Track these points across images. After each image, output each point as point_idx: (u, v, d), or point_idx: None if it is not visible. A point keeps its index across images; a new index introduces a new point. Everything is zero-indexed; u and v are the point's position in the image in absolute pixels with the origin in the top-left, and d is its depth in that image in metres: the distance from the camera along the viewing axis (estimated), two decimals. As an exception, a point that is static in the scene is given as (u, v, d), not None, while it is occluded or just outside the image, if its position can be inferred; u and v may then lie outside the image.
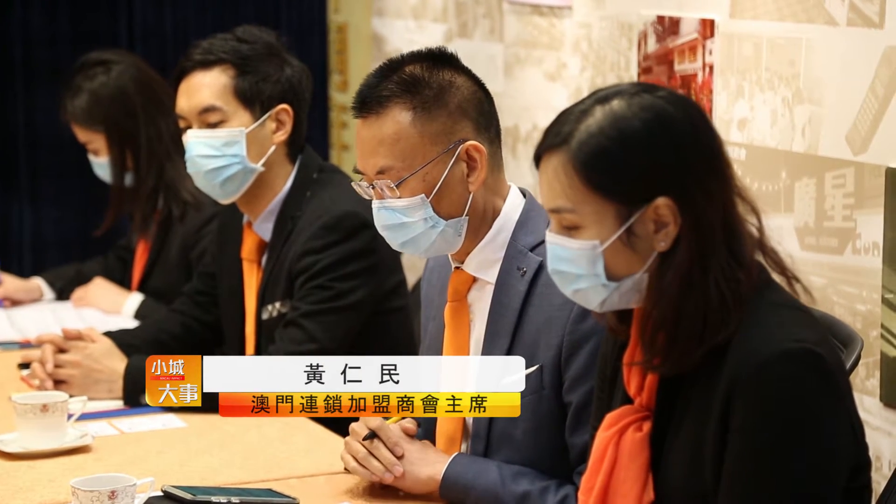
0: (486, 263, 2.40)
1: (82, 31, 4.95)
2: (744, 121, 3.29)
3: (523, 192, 2.44)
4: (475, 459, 2.33)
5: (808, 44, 3.08)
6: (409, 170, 2.33)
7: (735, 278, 1.88)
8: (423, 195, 2.33)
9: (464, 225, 2.37)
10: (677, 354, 1.88)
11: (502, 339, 2.35)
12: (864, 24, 2.92)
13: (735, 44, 3.31)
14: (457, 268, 2.43)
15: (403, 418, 2.41)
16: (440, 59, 2.37)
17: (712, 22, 3.37)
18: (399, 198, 2.33)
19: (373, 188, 2.36)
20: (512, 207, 2.40)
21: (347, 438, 2.41)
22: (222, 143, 2.98)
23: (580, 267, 1.91)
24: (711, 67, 3.38)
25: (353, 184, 2.43)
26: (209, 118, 2.99)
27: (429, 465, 2.33)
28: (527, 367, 2.31)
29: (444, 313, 2.44)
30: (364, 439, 2.37)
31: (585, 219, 1.90)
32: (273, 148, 3.03)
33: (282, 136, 3.03)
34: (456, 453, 2.34)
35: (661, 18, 3.56)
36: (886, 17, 2.87)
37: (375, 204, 2.37)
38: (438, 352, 2.46)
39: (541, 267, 2.34)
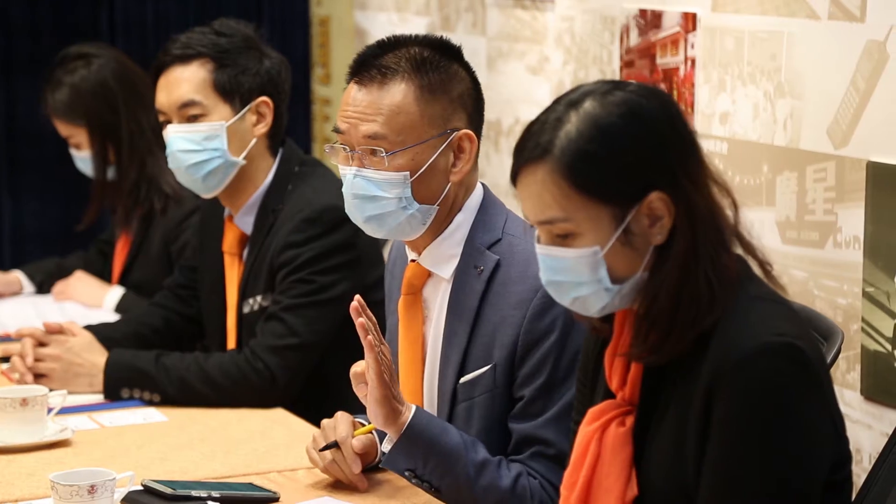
0: (441, 259, 2.38)
1: (63, 23, 4.92)
2: (725, 114, 3.30)
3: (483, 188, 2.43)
4: (434, 417, 2.29)
5: (790, 38, 3.09)
6: (402, 145, 2.32)
7: (722, 263, 1.88)
8: (406, 173, 2.33)
9: (432, 214, 2.36)
10: (672, 344, 1.87)
11: (460, 338, 2.34)
12: (846, 18, 2.92)
13: (717, 37, 3.31)
14: (412, 260, 2.42)
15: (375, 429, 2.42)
16: (448, 51, 2.38)
17: (694, 16, 3.37)
18: (384, 170, 2.32)
19: (352, 154, 2.34)
20: (472, 204, 2.39)
21: (308, 445, 2.41)
22: (203, 138, 2.97)
23: (580, 274, 1.89)
24: (693, 61, 3.38)
25: (326, 146, 2.41)
26: (189, 112, 2.98)
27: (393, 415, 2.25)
28: (483, 366, 2.30)
29: (397, 306, 2.43)
30: (322, 449, 2.36)
31: (581, 225, 1.87)
32: (254, 141, 3.02)
33: (262, 128, 3.03)
34: (416, 406, 2.26)
35: (643, 12, 3.55)
36: (868, 10, 2.87)
37: (351, 171, 2.34)
38: (395, 347, 2.45)
39: (498, 265, 2.32)
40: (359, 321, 2.19)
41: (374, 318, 2.22)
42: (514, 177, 1.93)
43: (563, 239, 1.89)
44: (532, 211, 1.92)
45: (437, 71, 2.34)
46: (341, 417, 2.39)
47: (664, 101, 1.91)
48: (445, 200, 2.36)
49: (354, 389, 2.26)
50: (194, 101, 2.98)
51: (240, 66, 3.00)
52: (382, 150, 2.32)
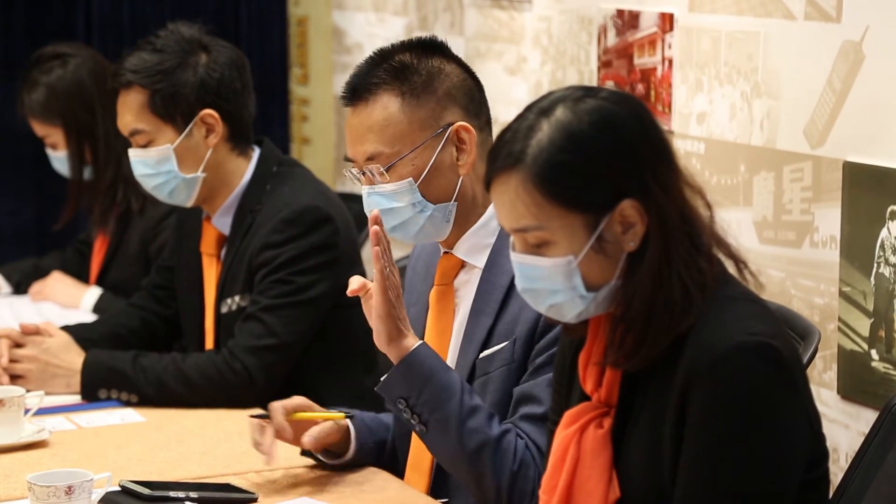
0: (476, 248, 2.41)
1: (38, 23, 4.90)
2: (703, 115, 3.31)
3: None
4: (440, 357, 2.29)
5: (766, 38, 3.10)
6: (398, 155, 2.35)
7: (697, 267, 1.88)
8: (410, 179, 2.36)
9: (452, 211, 2.39)
10: (646, 350, 1.88)
11: (486, 317, 2.36)
12: (822, 19, 2.94)
13: (694, 38, 3.33)
14: (445, 252, 2.45)
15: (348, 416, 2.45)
16: (430, 48, 2.41)
17: (671, 16, 3.38)
18: (388, 182, 2.35)
19: (363, 174, 2.39)
20: None
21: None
22: (155, 162, 2.98)
23: (555, 283, 1.90)
24: (671, 61, 3.39)
25: (345, 171, 2.45)
26: (138, 140, 2.99)
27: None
28: (505, 341, 2.32)
29: (428, 297, 2.45)
30: (253, 416, 2.41)
31: (555, 234, 1.88)
32: (210, 151, 3.00)
33: (214, 139, 3.00)
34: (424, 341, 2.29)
35: (620, 12, 3.56)
36: (844, 11, 2.88)
37: (365, 190, 2.39)
38: (419, 336, 2.46)
39: None
40: (374, 248, 2.22)
41: (389, 242, 2.25)
42: (488, 184, 1.93)
43: (538, 247, 1.90)
44: (506, 219, 1.92)
45: (418, 74, 2.37)
46: (295, 398, 2.44)
47: (635, 108, 1.92)
48: (463, 195, 2.39)
49: (364, 308, 2.27)
50: (138, 130, 2.98)
51: (174, 85, 2.96)
52: (380, 165, 2.35)
